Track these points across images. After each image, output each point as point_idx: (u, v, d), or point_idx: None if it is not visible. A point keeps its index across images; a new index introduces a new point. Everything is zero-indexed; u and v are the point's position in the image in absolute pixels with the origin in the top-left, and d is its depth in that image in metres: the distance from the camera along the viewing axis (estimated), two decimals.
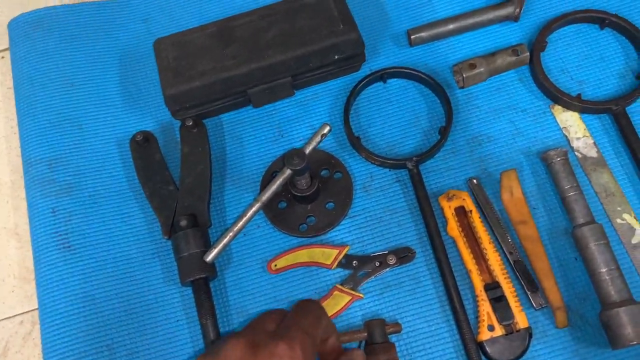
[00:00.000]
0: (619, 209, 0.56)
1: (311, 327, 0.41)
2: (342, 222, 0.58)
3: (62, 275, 0.56)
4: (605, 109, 0.59)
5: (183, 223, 0.55)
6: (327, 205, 0.58)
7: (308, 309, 0.43)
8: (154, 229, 0.58)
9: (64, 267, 0.57)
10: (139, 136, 0.60)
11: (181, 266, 0.54)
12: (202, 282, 0.54)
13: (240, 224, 0.53)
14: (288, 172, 0.53)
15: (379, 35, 0.66)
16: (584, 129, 0.60)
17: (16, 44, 0.68)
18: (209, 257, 0.53)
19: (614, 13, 0.63)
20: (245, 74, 0.59)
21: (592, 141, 0.59)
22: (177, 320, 0.55)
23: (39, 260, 0.58)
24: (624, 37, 0.63)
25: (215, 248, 0.53)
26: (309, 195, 0.56)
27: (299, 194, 0.56)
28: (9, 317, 0.59)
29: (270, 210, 0.58)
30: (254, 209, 0.53)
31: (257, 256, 0.57)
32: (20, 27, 0.69)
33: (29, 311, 0.59)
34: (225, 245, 0.53)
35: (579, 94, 0.60)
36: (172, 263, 0.56)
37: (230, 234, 0.53)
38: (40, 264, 0.58)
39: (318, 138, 0.52)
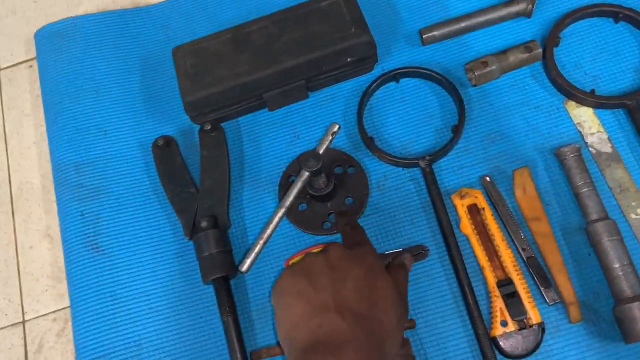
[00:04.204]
0: (633, 204, 0.56)
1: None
2: (357, 220, 0.59)
3: (91, 275, 0.59)
4: (619, 104, 0.59)
5: (204, 224, 0.57)
6: (346, 201, 0.60)
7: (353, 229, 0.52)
8: (176, 230, 0.61)
9: (93, 267, 0.60)
10: (160, 141, 0.62)
11: (203, 265, 0.57)
12: (222, 281, 0.56)
13: (269, 231, 0.55)
14: (306, 174, 0.55)
15: (391, 35, 0.67)
16: (598, 124, 0.60)
17: (43, 54, 0.71)
18: (244, 268, 0.55)
19: (628, 7, 0.62)
20: (260, 79, 0.60)
21: (606, 136, 0.59)
22: (200, 317, 0.57)
23: (70, 260, 0.61)
24: (638, 31, 0.63)
25: (248, 258, 0.56)
26: (327, 194, 0.58)
27: (317, 194, 0.58)
28: (43, 315, 0.62)
29: (292, 213, 0.59)
30: (279, 214, 0.55)
31: (276, 254, 0.59)
32: (46, 37, 0.72)
33: (61, 309, 0.62)
34: (258, 254, 0.55)
35: (593, 89, 0.60)
36: (194, 262, 0.59)
37: (261, 242, 0.56)
38: (71, 264, 0.61)
39: (329, 137, 0.53)
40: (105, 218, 0.62)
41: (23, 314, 0.62)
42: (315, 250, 0.58)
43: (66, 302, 0.62)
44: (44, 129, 0.70)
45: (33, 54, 0.74)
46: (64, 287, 0.62)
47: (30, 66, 0.74)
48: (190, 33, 0.70)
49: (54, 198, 0.65)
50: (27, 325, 0.62)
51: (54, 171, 0.65)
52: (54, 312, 0.62)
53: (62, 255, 0.63)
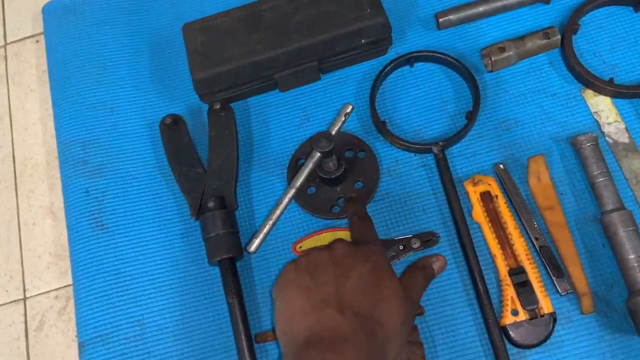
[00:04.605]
0: None
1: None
2: (367, 206, 0.58)
3: (95, 253, 0.58)
4: (638, 94, 0.58)
5: (211, 204, 0.56)
6: (356, 185, 0.58)
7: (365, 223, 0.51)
8: (182, 210, 0.60)
9: (97, 245, 0.59)
10: (168, 119, 0.61)
11: (209, 246, 0.56)
12: (229, 262, 0.55)
13: (278, 212, 0.54)
14: (317, 155, 0.53)
15: (406, 19, 0.65)
16: (616, 114, 0.59)
17: (50, 29, 0.70)
18: (252, 248, 0.54)
19: None
20: (272, 58, 0.59)
21: (623, 126, 0.58)
22: (205, 298, 0.56)
23: (73, 238, 0.60)
24: None
25: (256, 238, 0.55)
26: (337, 178, 0.57)
27: (327, 177, 0.56)
28: (45, 292, 0.61)
29: (300, 196, 0.58)
30: (289, 195, 0.54)
31: (283, 237, 0.58)
32: (53, 11, 0.70)
33: (63, 287, 0.61)
34: (266, 235, 0.54)
35: (612, 78, 0.59)
36: (199, 243, 0.58)
37: (270, 222, 0.55)
38: (74, 241, 0.60)
39: (342, 118, 0.52)
40: (110, 196, 0.61)
41: (24, 290, 0.62)
42: (322, 235, 0.57)
43: (68, 279, 0.61)
44: (49, 104, 0.69)
45: (40, 28, 0.73)
46: (66, 264, 0.61)
47: (37, 41, 0.73)
48: (200, 11, 0.68)
49: (58, 174, 0.64)
50: (28, 302, 0.61)
51: (59, 147, 0.64)
52: (56, 289, 0.61)
53: (65, 233, 0.62)
